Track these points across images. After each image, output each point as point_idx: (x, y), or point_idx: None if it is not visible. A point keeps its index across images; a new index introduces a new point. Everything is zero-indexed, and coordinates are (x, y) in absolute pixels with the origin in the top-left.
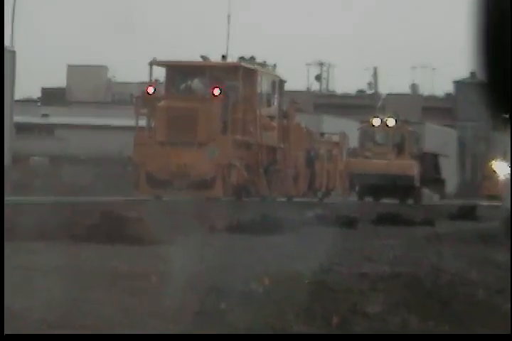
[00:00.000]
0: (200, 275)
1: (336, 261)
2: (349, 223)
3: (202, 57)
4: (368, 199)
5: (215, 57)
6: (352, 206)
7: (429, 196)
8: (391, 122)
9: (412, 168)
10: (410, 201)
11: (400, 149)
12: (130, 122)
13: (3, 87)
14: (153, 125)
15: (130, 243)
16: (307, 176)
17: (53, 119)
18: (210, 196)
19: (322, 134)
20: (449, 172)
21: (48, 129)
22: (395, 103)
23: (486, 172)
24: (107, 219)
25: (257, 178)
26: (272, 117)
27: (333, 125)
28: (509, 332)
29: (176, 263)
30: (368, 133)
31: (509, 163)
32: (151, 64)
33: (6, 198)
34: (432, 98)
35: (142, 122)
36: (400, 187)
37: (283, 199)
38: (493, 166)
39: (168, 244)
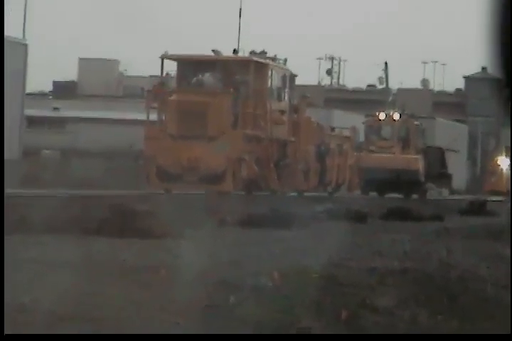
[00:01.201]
0: (209, 268)
1: (346, 256)
2: (359, 218)
3: (213, 51)
4: (372, 194)
5: (226, 51)
6: (362, 201)
7: (439, 191)
8: (396, 116)
9: (416, 162)
10: (415, 196)
11: (405, 143)
12: (141, 116)
13: (3, 82)
14: (164, 119)
15: (140, 236)
16: (317, 170)
17: (64, 113)
18: (221, 190)
19: (332, 129)
20: (459, 167)
21: (59, 123)
22: (405, 98)
23: (490, 168)
24: (117, 212)
25: (267, 172)
26: (282, 111)
27: (343, 119)
28: (509, 332)
29: (185, 256)
30: (373, 127)
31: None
32: (162, 58)
33: (17, 191)
34: (442, 93)
35: (153, 116)
36: (404, 181)
37: (293, 194)
38: (497, 162)
39: (178, 237)
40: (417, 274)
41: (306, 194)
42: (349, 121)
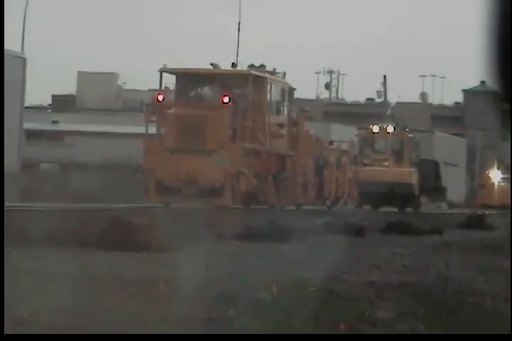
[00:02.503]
0: (207, 282)
1: (344, 270)
2: (357, 231)
3: (212, 64)
4: (366, 207)
5: (225, 65)
6: (361, 214)
7: (438, 205)
8: (390, 129)
9: (410, 175)
10: (409, 209)
11: (398, 156)
12: (140, 129)
13: (4, 94)
14: (162, 132)
15: (139, 250)
16: (316, 184)
17: (63, 126)
18: (219, 203)
19: (331, 142)
20: (458, 181)
21: (58, 136)
22: (404, 111)
23: (481, 182)
24: (115, 225)
25: (265, 186)
26: (281, 125)
27: (342, 133)
28: (509, 332)
29: (183, 270)
30: (366, 140)
31: (503, 171)
32: (161, 71)
33: (15, 204)
34: (441, 107)
35: (152, 129)
36: (398, 195)
37: (292, 207)
38: (489, 175)
39: (177, 251)
40: (415, 288)
41: (304, 207)
42: (348, 135)
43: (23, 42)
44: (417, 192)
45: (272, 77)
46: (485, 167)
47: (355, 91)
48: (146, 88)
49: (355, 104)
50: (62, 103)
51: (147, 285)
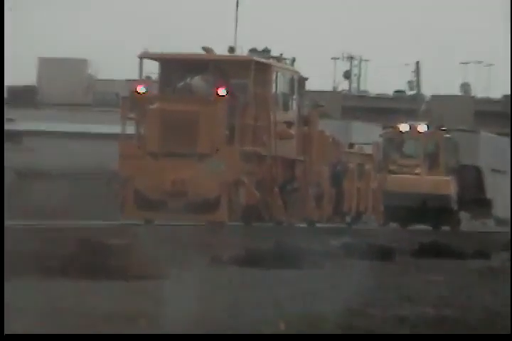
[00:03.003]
0: (199, 317)
1: (368, 302)
2: (384, 254)
3: (204, 49)
4: (394, 225)
5: (220, 50)
6: (388, 233)
7: (482, 222)
8: (422, 128)
9: (447, 185)
10: (446, 227)
11: (433, 161)
12: (115, 129)
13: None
14: (143, 132)
15: (114, 277)
16: (332, 196)
17: (21, 125)
18: (213, 220)
19: (351, 145)
20: (506, 191)
21: (15, 137)
22: (441, 106)
23: None
24: (86, 248)
25: (270, 199)
26: (289, 123)
27: (364, 133)
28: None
29: (168, 303)
30: (393, 142)
31: None
32: (141, 57)
33: None
34: (486, 100)
35: (130, 129)
36: (432, 209)
37: (303, 225)
38: None
39: (160, 279)
40: (455, 324)
41: (318, 225)
42: (371, 136)
43: None
44: (455, 206)
45: (279, 64)
46: None
47: (382, 81)
48: (123, 78)
49: (381, 98)
50: (19, 96)
51: (126, 321)
